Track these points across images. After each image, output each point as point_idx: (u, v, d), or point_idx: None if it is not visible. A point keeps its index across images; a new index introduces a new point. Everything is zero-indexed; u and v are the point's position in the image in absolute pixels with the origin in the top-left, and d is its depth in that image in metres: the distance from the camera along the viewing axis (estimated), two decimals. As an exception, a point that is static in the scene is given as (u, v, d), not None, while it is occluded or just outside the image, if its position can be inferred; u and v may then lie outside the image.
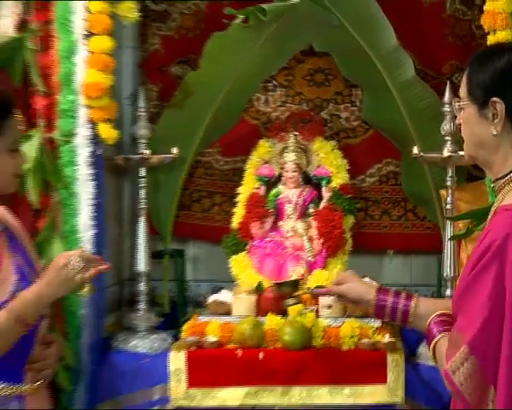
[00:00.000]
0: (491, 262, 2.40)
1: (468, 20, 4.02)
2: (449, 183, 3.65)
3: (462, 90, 2.61)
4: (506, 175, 2.55)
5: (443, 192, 3.74)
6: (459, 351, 2.41)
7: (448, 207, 3.66)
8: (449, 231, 3.62)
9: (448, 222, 3.64)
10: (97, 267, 2.84)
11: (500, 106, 2.49)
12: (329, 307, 3.62)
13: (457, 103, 2.63)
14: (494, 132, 2.52)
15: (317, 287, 3.18)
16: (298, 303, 3.47)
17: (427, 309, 2.76)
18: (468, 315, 2.44)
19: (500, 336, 2.38)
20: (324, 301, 3.62)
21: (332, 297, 3.47)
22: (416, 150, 3.69)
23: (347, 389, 3.43)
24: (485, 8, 3.26)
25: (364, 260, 3.84)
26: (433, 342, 2.60)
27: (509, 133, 2.52)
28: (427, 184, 4.00)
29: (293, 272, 3.87)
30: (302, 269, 3.85)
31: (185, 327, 3.65)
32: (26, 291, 2.78)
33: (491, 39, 3.22)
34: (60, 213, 3.48)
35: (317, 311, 3.63)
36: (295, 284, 3.59)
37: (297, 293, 3.46)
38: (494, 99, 2.49)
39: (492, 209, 2.59)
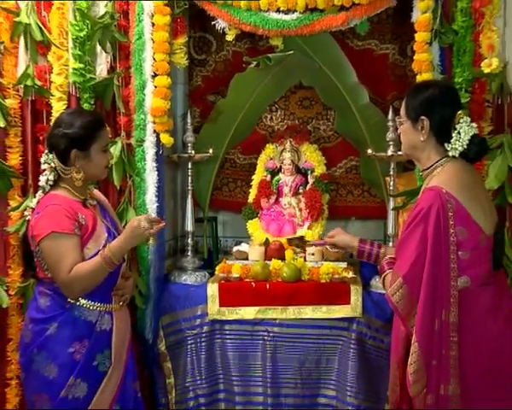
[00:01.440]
0: (419, 224, 2.47)
1: (404, 66, 3.97)
2: (391, 172, 3.62)
3: (402, 111, 2.67)
4: (430, 167, 2.63)
5: (387, 179, 3.71)
6: (396, 281, 2.47)
7: (391, 188, 3.63)
8: (391, 204, 3.60)
9: (391, 198, 3.62)
10: (157, 226, 2.86)
11: (426, 122, 2.57)
12: (313, 254, 3.61)
13: (398, 119, 2.72)
14: (422, 139, 2.60)
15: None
16: (302, 250, 3.53)
17: (391, 253, 2.82)
18: (403, 258, 2.51)
19: (422, 273, 2.44)
20: (310, 250, 3.61)
21: (315, 248, 3.58)
22: (369, 151, 3.66)
23: (324, 308, 3.41)
24: (414, 58, 3.21)
25: (336, 224, 3.75)
26: (383, 275, 2.68)
27: (431, 140, 2.59)
28: (377, 173, 3.95)
29: (292, 231, 3.86)
30: (304, 230, 3.83)
31: (218, 267, 3.63)
32: (112, 243, 2.82)
33: (418, 78, 3.18)
34: (134, 192, 3.44)
35: (304, 257, 3.61)
36: (301, 239, 3.61)
37: (301, 244, 3.49)
38: (422, 117, 2.58)
39: (421, 190, 2.65)
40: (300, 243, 3.59)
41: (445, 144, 2.58)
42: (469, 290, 2.51)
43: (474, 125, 2.61)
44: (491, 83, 3.19)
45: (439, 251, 2.45)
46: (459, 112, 2.60)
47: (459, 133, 2.57)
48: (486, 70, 3.14)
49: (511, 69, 3.20)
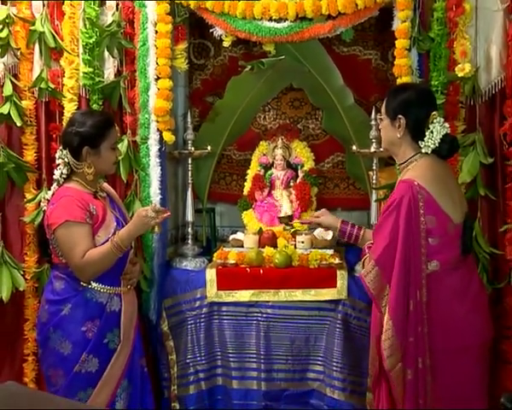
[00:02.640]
0: (392, 212, 2.51)
1: (385, 70, 3.98)
2: (374, 167, 3.64)
3: (382, 110, 2.70)
4: (405, 162, 2.66)
5: (370, 173, 3.73)
6: (369, 263, 2.52)
7: (374, 181, 3.65)
8: (374, 196, 3.63)
9: (374, 191, 3.65)
10: (163, 215, 2.89)
11: (402, 120, 2.61)
12: (303, 242, 3.63)
13: (379, 117, 2.76)
14: (398, 136, 2.64)
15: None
16: (292, 228, 3.56)
17: (370, 236, 2.89)
18: (377, 243, 2.56)
19: (394, 257, 2.47)
20: (299, 238, 3.64)
21: (305, 236, 3.62)
22: (354, 148, 3.70)
23: (313, 291, 3.42)
24: (395, 63, 3.23)
25: None
26: (364, 258, 2.70)
27: (407, 137, 2.63)
28: (361, 168, 3.97)
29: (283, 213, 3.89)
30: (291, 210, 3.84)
31: (215, 254, 3.65)
32: (121, 231, 2.86)
33: (398, 81, 3.20)
34: (139, 186, 3.46)
35: (295, 245, 3.63)
36: (290, 217, 3.68)
37: (291, 223, 3.53)
38: (399, 116, 2.62)
39: (397, 182, 2.70)
40: (290, 220, 3.61)
41: (419, 142, 2.63)
42: (439, 273, 2.56)
43: (447, 125, 2.66)
44: (465, 86, 3.23)
45: (410, 237, 2.49)
46: (433, 113, 2.64)
47: (432, 132, 2.61)
48: (460, 74, 3.18)
49: (482, 73, 3.24)
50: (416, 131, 2.63)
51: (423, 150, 2.62)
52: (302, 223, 3.52)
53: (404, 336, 2.50)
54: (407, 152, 2.67)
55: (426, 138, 2.61)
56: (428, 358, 2.53)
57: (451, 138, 2.67)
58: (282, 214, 3.66)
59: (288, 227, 3.56)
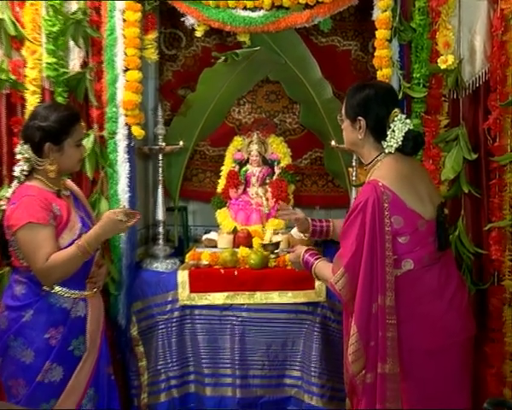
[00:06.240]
0: (357, 215, 2.52)
1: (365, 61, 3.99)
2: (354, 163, 3.66)
3: (342, 110, 2.70)
4: (371, 162, 2.66)
5: (350, 169, 3.73)
6: (339, 270, 2.52)
7: (353, 178, 3.66)
8: (354, 194, 3.63)
9: (353, 188, 3.65)
10: (133, 220, 2.86)
11: (363, 122, 2.61)
12: (276, 253, 3.60)
13: (339, 118, 2.75)
14: (360, 137, 2.63)
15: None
16: (277, 258, 3.47)
17: (339, 225, 2.93)
18: (345, 248, 2.56)
19: (361, 262, 2.47)
20: (276, 237, 3.65)
21: (282, 236, 3.65)
22: (333, 143, 3.70)
23: (290, 293, 3.43)
24: (375, 54, 3.24)
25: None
26: (313, 267, 2.74)
27: (370, 138, 2.63)
28: (340, 164, 3.97)
29: (257, 220, 3.86)
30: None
31: (188, 255, 3.67)
32: (88, 233, 2.80)
33: (379, 74, 3.20)
34: (106, 183, 3.43)
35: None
36: (276, 245, 3.57)
37: (276, 251, 3.47)
38: (359, 117, 2.61)
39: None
40: (275, 248, 3.55)
41: (382, 142, 2.61)
42: (414, 272, 2.55)
43: (408, 121, 2.63)
44: (447, 78, 3.23)
45: (375, 240, 2.48)
46: (394, 110, 2.61)
47: (394, 131, 2.58)
48: (443, 66, 3.18)
49: (466, 65, 3.24)
50: (378, 132, 2.62)
51: (386, 150, 2.61)
52: (279, 216, 3.45)
53: (368, 341, 2.51)
54: (372, 153, 2.66)
55: (388, 138, 2.60)
56: (396, 363, 2.51)
57: (415, 135, 2.64)
58: (265, 241, 3.61)
59: (273, 255, 3.53)
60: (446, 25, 3.20)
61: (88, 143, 3.33)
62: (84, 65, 3.42)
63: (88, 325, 2.89)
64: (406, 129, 2.59)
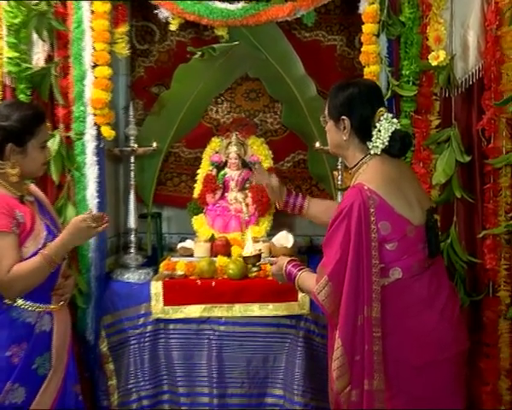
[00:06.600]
0: (342, 221, 2.50)
1: (351, 58, 3.99)
2: (339, 166, 3.64)
3: (326, 111, 2.67)
4: (356, 165, 2.65)
5: (335, 173, 3.71)
6: (322, 279, 2.48)
7: (339, 182, 3.65)
8: (339, 198, 3.60)
9: (339, 192, 3.63)
10: (102, 226, 2.86)
11: (347, 122, 2.58)
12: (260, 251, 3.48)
13: (323, 119, 2.72)
14: (344, 138, 2.60)
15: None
16: (259, 271, 3.35)
17: (316, 205, 3.10)
18: (329, 256, 2.54)
19: (346, 271, 2.47)
20: (257, 246, 3.52)
21: (262, 244, 3.62)
22: (317, 145, 3.67)
23: (271, 305, 3.41)
24: (362, 50, 3.24)
25: (283, 219, 3.84)
26: (296, 278, 2.71)
27: (354, 139, 2.61)
28: (325, 167, 3.96)
29: (238, 227, 3.83)
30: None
31: (162, 264, 3.63)
32: (54, 242, 2.80)
33: (366, 71, 3.21)
34: (73, 188, 3.41)
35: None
36: (258, 257, 3.41)
37: (259, 263, 3.33)
38: (343, 117, 2.58)
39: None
40: (257, 260, 3.41)
41: (368, 142, 2.60)
42: (402, 281, 2.52)
43: (395, 121, 2.61)
44: (439, 75, 3.22)
45: (361, 248, 2.47)
46: (380, 109, 2.60)
47: (379, 131, 2.56)
48: (434, 63, 3.16)
49: (458, 61, 3.23)
50: (363, 132, 2.59)
51: (372, 151, 2.59)
52: (253, 178, 3.47)
53: (353, 355, 2.49)
54: (357, 155, 2.64)
55: (373, 138, 2.57)
56: (382, 379, 2.49)
57: (402, 135, 2.62)
58: (245, 253, 3.51)
59: (255, 269, 3.41)
60: (438, 19, 3.19)
61: (53, 144, 3.30)
62: (49, 60, 3.38)
63: (54, 340, 2.83)
64: (393, 129, 2.58)
